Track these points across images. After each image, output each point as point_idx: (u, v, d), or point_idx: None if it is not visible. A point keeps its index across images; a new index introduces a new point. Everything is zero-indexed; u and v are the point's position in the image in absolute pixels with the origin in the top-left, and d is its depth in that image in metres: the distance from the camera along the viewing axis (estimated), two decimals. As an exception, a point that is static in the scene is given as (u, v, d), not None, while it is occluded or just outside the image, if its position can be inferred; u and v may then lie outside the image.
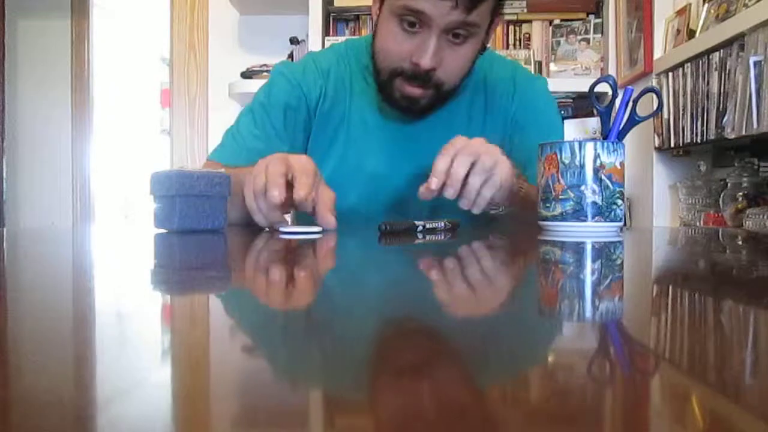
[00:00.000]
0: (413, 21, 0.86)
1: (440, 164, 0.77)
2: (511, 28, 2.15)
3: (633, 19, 1.89)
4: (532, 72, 1.09)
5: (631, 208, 1.89)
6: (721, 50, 1.41)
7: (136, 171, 4.06)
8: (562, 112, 2.03)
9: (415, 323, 0.25)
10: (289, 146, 0.99)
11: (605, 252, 0.54)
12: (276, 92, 1.00)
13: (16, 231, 1.16)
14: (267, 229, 0.75)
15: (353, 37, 2.03)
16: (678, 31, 1.66)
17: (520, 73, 1.04)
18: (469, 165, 0.76)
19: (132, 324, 0.24)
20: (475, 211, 0.79)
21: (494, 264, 0.51)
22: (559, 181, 0.69)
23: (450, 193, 0.77)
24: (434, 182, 0.77)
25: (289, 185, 0.73)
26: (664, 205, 1.73)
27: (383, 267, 0.48)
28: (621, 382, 0.17)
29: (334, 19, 2.16)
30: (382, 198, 0.99)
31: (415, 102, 0.92)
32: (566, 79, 2.06)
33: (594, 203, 0.68)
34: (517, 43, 2.15)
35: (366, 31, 2.10)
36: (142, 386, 0.16)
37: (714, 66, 1.43)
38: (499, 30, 2.14)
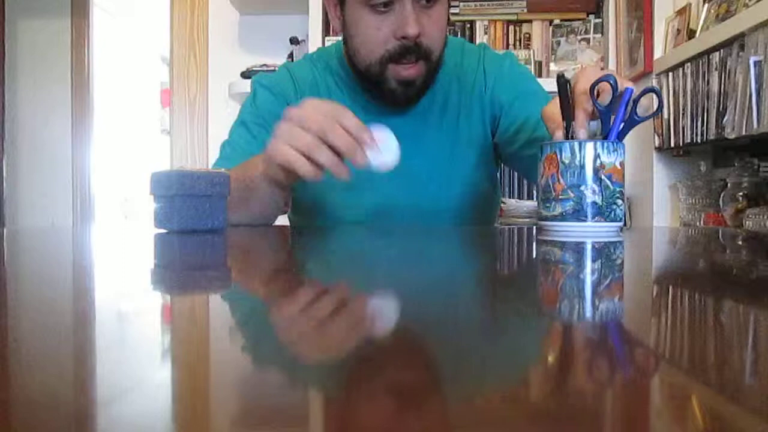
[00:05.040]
0: None
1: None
2: (511, 28, 2.15)
3: (633, 19, 1.89)
4: (526, 66, 1.09)
5: (631, 208, 1.89)
6: (721, 50, 1.41)
7: (136, 171, 4.06)
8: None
9: (412, 322, 0.25)
10: None
11: (605, 252, 0.54)
12: (261, 103, 1.02)
13: (16, 231, 1.16)
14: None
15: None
16: (678, 31, 1.66)
17: (487, 58, 1.04)
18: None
19: (132, 324, 0.24)
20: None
21: (494, 264, 0.51)
22: (559, 181, 0.69)
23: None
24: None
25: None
26: (664, 205, 1.73)
27: (384, 263, 0.48)
28: (621, 382, 0.17)
29: (334, 19, 2.16)
30: (368, 195, 0.99)
31: (411, 84, 0.92)
32: (566, 79, 2.05)
33: (594, 203, 0.68)
34: (517, 43, 2.15)
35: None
36: (142, 386, 0.16)
37: (714, 66, 1.43)
38: (499, 30, 2.14)
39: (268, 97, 1.02)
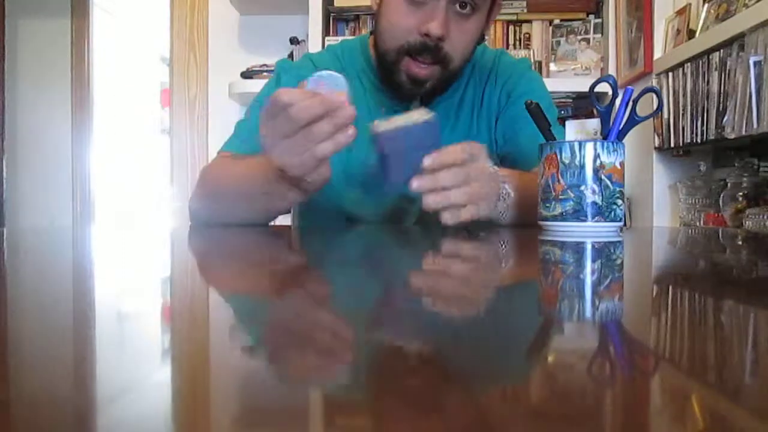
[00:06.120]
0: None
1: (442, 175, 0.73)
2: (511, 28, 2.15)
3: (633, 19, 1.89)
4: (538, 77, 1.10)
5: (631, 208, 1.89)
6: (721, 50, 1.41)
7: (136, 171, 4.06)
8: (562, 112, 2.02)
9: (413, 323, 0.25)
10: None
11: (605, 252, 0.54)
12: (285, 83, 0.99)
13: (16, 231, 1.16)
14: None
15: (353, 37, 2.04)
16: (678, 31, 1.66)
17: (503, 60, 1.04)
18: (459, 181, 0.73)
19: (132, 324, 0.24)
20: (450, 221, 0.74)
21: (494, 263, 0.51)
22: (559, 181, 0.69)
23: (431, 202, 0.72)
24: (422, 185, 0.73)
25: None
26: (664, 205, 1.73)
27: (382, 263, 0.48)
28: (621, 382, 0.17)
29: (334, 19, 2.16)
30: (382, 195, 0.99)
31: (421, 84, 0.92)
32: (566, 79, 2.05)
33: (594, 203, 0.68)
34: (517, 43, 2.14)
35: (366, 31, 2.10)
36: (142, 386, 0.16)
37: (714, 66, 1.43)
38: (499, 30, 2.14)
39: (289, 81, 0.99)
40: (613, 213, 0.69)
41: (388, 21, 0.91)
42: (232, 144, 0.98)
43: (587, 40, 2.10)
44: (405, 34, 0.89)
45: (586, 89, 0.83)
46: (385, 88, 0.98)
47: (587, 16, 2.13)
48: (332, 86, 0.68)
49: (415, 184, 0.72)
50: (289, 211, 1.03)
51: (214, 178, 0.93)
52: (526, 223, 0.83)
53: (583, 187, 0.68)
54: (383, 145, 0.69)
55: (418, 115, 0.71)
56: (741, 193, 1.43)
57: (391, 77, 0.94)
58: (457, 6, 0.87)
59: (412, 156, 0.69)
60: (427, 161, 0.71)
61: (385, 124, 0.70)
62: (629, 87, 0.75)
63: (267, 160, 0.77)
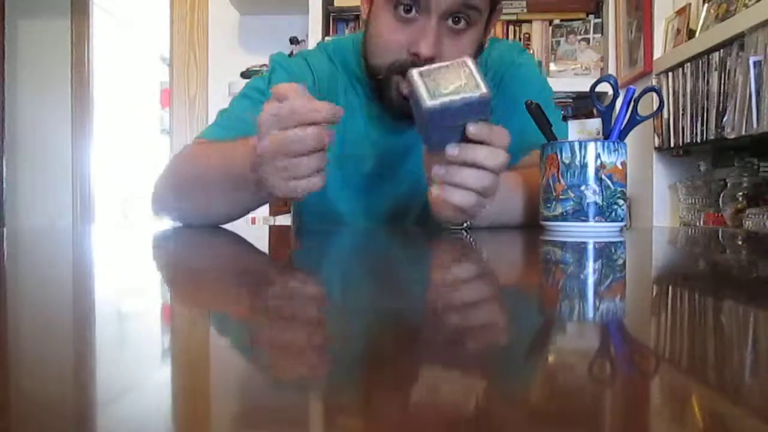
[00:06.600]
0: (409, 5, 0.80)
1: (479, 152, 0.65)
2: (511, 28, 2.15)
3: (633, 19, 1.89)
4: (533, 68, 1.04)
5: (631, 208, 1.89)
6: (721, 50, 1.41)
7: (136, 171, 4.06)
8: (563, 112, 2.03)
9: (414, 321, 0.25)
10: None
11: (606, 252, 0.54)
12: (276, 81, 0.93)
13: (16, 231, 1.16)
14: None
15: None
16: (678, 31, 1.66)
17: (492, 55, 0.98)
18: (492, 165, 0.66)
19: (132, 324, 0.24)
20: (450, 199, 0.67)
21: (495, 263, 0.51)
22: (559, 181, 0.69)
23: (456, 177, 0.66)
24: (456, 155, 0.65)
25: None
26: (664, 205, 1.73)
27: (384, 264, 0.48)
28: (621, 382, 0.17)
29: (334, 19, 2.16)
30: (378, 201, 0.98)
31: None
32: (566, 79, 2.05)
33: (595, 203, 0.68)
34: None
35: (366, 31, 2.10)
36: (142, 386, 0.16)
37: (714, 66, 1.43)
38: (499, 30, 2.14)
39: (284, 76, 0.95)
40: (614, 213, 0.69)
41: (377, 36, 0.86)
42: (211, 131, 0.90)
43: (587, 40, 2.10)
44: (394, 52, 0.83)
45: (586, 89, 0.83)
46: (377, 98, 0.93)
47: (587, 16, 2.13)
48: None
49: (450, 151, 0.65)
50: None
51: (188, 161, 0.84)
52: (497, 225, 0.79)
53: (583, 187, 0.68)
54: (427, 117, 0.62)
55: (467, 82, 0.63)
56: (741, 193, 1.44)
57: (381, 92, 0.89)
58: (450, 21, 0.81)
59: (455, 127, 0.65)
60: (473, 129, 0.64)
61: (427, 91, 0.62)
62: (631, 87, 0.75)
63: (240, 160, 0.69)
